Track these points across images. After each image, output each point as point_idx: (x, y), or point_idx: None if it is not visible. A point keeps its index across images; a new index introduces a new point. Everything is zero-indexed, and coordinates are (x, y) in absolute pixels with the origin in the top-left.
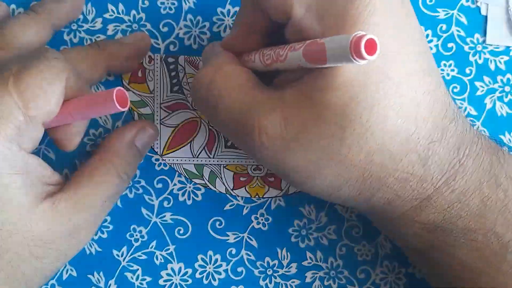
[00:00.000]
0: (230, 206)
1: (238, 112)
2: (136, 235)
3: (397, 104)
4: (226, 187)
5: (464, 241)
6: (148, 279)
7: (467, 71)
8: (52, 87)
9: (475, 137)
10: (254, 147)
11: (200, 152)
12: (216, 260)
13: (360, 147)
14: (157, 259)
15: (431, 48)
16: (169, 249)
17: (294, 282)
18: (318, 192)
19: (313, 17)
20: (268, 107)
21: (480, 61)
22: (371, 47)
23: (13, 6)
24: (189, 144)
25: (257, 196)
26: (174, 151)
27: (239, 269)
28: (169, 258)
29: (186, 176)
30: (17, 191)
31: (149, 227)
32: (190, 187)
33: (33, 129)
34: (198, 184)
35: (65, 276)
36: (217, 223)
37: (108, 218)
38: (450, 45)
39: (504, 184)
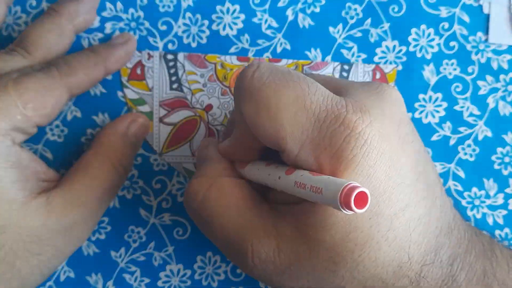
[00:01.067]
0: None
1: (233, 232)
2: (134, 236)
3: (390, 238)
4: None
5: None
6: (147, 280)
7: (470, 70)
8: (50, 93)
9: (469, 244)
10: (247, 267)
11: None
12: (216, 261)
13: (353, 277)
14: (155, 260)
15: (432, 47)
16: (167, 250)
17: None
18: None
19: (307, 154)
20: (262, 233)
21: (482, 60)
22: (362, 198)
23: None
24: (189, 142)
25: None
26: (173, 149)
27: (238, 270)
28: (167, 259)
29: (185, 175)
30: (10, 185)
31: (147, 228)
32: None
33: (28, 128)
34: None
35: (62, 278)
36: None
37: (106, 219)
38: (452, 43)
39: None
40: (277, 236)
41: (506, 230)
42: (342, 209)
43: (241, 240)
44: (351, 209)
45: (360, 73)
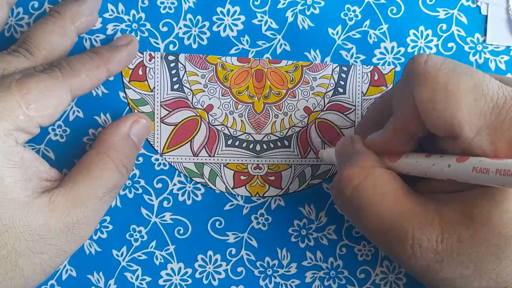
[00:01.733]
0: (230, 206)
1: (389, 220)
2: (136, 235)
3: None
4: (226, 186)
5: None
6: (148, 279)
7: None
8: (53, 94)
9: None
10: (404, 255)
11: (201, 151)
12: (216, 260)
13: None
14: (156, 259)
15: (430, 48)
16: (169, 249)
17: (294, 282)
18: None
19: (483, 139)
20: (424, 220)
21: (480, 61)
22: None
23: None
24: (190, 142)
25: (257, 195)
26: (174, 149)
27: (239, 269)
28: (169, 258)
29: (186, 174)
30: (13, 185)
31: (148, 227)
32: (190, 187)
33: (30, 128)
34: (198, 183)
35: (64, 276)
36: (217, 223)
37: (108, 218)
38: (450, 44)
39: None
40: (441, 223)
41: None
42: None
43: (400, 227)
44: None
45: (359, 74)
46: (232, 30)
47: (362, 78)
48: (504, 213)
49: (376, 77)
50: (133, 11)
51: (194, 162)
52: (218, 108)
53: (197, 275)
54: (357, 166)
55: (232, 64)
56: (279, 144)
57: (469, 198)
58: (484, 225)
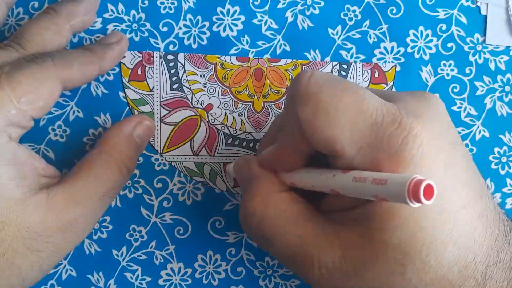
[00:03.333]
0: (229, 206)
1: (294, 247)
2: (136, 235)
3: (454, 237)
4: (226, 185)
5: None
6: (148, 279)
7: (467, 71)
8: (44, 85)
9: None
10: (313, 278)
11: (201, 150)
12: (216, 260)
13: (421, 279)
14: (156, 259)
15: (430, 48)
16: (168, 249)
17: (294, 282)
18: None
19: (365, 157)
20: (325, 244)
21: (480, 61)
22: (429, 191)
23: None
24: (190, 142)
25: None
26: (174, 149)
27: (238, 269)
28: (168, 258)
29: (186, 174)
30: (8, 182)
31: (148, 227)
32: (190, 186)
33: (24, 122)
34: (199, 182)
35: (64, 276)
36: (217, 223)
37: (108, 218)
38: (450, 45)
39: None
40: (341, 245)
41: None
42: (408, 201)
43: (304, 253)
44: (419, 201)
45: (359, 72)
46: (232, 30)
47: (362, 76)
48: (397, 231)
49: (376, 75)
50: (133, 11)
51: (195, 162)
52: (217, 107)
53: (197, 275)
54: (257, 195)
55: (232, 63)
56: None
57: (361, 217)
58: (386, 247)
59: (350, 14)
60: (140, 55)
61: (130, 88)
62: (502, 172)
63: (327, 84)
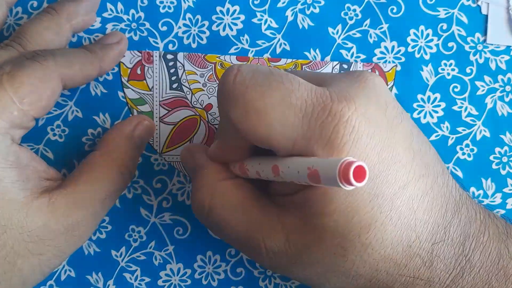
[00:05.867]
0: None
1: (243, 233)
2: (135, 236)
3: (394, 218)
4: None
5: None
6: (147, 279)
7: (468, 70)
8: (45, 85)
9: (481, 226)
10: (264, 261)
11: None
12: (216, 261)
13: (364, 260)
14: (156, 259)
15: (431, 48)
16: (168, 249)
17: (293, 283)
18: None
19: (301, 149)
20: (270, 228)
21: (480, 61)
22: (360, 173)
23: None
24: (189, 141)
25: None
26: (174, 148)
27: (238, 270)
28: (168, 258)
29: (186, 174)
30: (11, 185)
31: (148, 228)
32: (189, 186)
33: (26, 122)
34: None
35: (63, 277)
36: None
37: (107, 219)
38: (450, 44)
39: None
40: (284, 229)
41: None
42: (341, 184)
43: (252, 238)
44: (350, 183)
45: None
46: (231, 30)
47: None
48: (334, 216)
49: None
50: (132, 11)
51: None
52: (217, 107)
53: (196, 276)
54: (202, 186)
55: (231, 62)
56: None
57: (301, 201)
58: (325, 231)
59: (351, 13)
60: (140, 54)
61: (130, 88)
62: (503, 172)
63: (253, 82)
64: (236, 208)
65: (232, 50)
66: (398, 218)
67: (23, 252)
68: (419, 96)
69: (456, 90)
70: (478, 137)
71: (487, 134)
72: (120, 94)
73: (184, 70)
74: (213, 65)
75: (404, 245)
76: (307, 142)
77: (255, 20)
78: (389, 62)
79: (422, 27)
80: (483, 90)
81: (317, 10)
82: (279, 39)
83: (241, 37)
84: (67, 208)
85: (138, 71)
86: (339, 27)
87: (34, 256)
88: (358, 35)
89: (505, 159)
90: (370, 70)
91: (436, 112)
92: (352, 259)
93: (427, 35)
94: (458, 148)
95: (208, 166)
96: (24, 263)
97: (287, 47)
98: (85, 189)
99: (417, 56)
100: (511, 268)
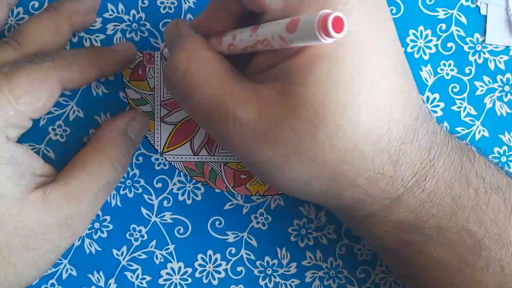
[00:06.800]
0: (229, 205)
1: (214, 101)
2: (136, 235)
3: (370, 103)
4: (226, 185)
5: (437, 239)
6: (148, 278)
7: (467, 70)
8: (43, 86)
9: (445, 138)
10: (227, 135)
11: (201, 150)
12: (216, 260)
13: (332, 145)
14: (156, 258)
15: (430, 48)
16: (169, 248)
17: (293, 281)
18: (287, 186)
19: (291, 12)
20: (243, 99)
21: (479, 61)
22: (339, 25)
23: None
24: (190, 141)
25: (257, 194)
26: (174, 148)
27: (238, 269)
28: (168, 257)
29: (186, 173)
30: (5, 181)
31: (148, 227)
32: (190, 186)
33: (22, 122)
34: (199, 182)
35: (64, 276)
36: (217, 222)
37: (108, 218)
38: (449, 44)
39: (475, 183)
40: (258, 100)
41: None
42: (320, 37)
43: (222, 107)
44: (328, 34)
45: None
46: None
47: None
48: (313, 87)
49: None
50: (133, 11)
51: (195, 161)
52: None
53: (197, 275)
54: (183, 50)
55: None
56: None
57: (281, 72)
58: (300, 104)
59: None
60: (141, 55)
61: (131, 88)
62: None
63: None
64: (212, 77)
65: None
66: (374, 106)
67: (17, 247)
68: None
69: (455, 90)
70: (477, 137)
71: (486, 134)
72: (121, 94)
73: None
74: None
75: (374, 137)
76: (299, 2)
77: None
78: None
79: (421, 28)
80: (482, 90)
81: None
82: None
83: None
84: (60, 202)
85: (140, 72)
86: None
87: (29, 250)
88: None
89: (504, 159)
90: None
91: (435, 112)
92: (321, 142)
93: (426, 35)
94: None
95: (191, 35)
96: (18, 258)
97: None
98: (78, 183)
99: (416, 56)
100: (473, 176)
